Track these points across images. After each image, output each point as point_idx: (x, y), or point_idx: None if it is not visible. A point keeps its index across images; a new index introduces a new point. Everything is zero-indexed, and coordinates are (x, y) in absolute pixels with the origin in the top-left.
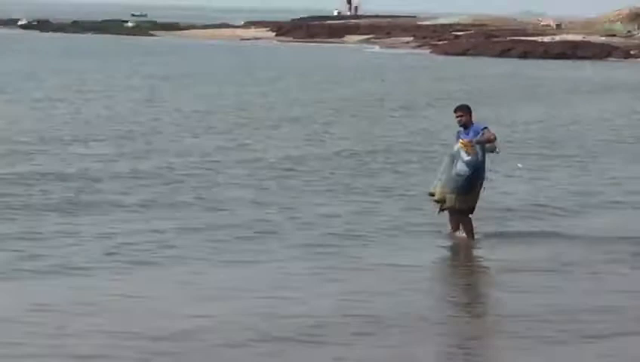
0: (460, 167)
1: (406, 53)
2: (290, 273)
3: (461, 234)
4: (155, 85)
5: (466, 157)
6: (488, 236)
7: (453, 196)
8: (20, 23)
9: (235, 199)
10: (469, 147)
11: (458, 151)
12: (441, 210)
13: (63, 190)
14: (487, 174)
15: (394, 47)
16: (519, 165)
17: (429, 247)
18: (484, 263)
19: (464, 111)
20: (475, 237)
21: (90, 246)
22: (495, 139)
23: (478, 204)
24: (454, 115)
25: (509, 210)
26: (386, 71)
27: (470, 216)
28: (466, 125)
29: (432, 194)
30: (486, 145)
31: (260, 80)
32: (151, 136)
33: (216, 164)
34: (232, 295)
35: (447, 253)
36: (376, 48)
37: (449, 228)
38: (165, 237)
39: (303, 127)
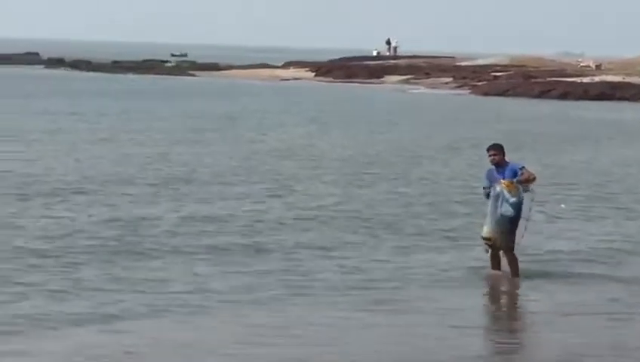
0: (505, 208)
1: (450, 94)
2: (337, 317)
3: (501, 273)
4: (198, 126)
5: (511, 199)
6: (534, 277)
7: (498, 236)
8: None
9: (277, 242)
10: (511, 187)
11: (502, 192)
12: (490, 249)
13: (105, 233)
14: (530, 214)
15: (437, 88)
16: (562, 206)
17: (476, 289)
18: (533, 305)
19: (497, 150)
20: (520, 276)
21: (133, 290)
22: (535, 178)
23: (523, 244)
24: (487, 153)
25: (553, 251)
26: (436, 111)
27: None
28: (499, 164)
29: (486, 238)
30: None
31: (303, 121)
32: (194, 178)
33: (259, 205)
34: (277, 339)
35: (494, 295)
36: (422, 89)
37: (489, 267)
38: (207, 281)
39: (346, 168)
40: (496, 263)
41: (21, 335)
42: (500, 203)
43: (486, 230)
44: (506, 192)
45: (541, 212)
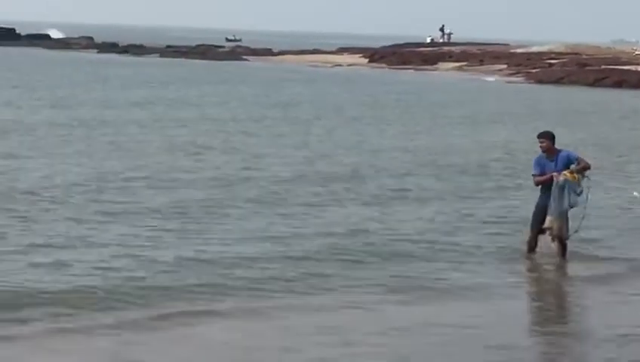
0: (574, 200)
1: (519, 81)
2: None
3: (536, 254)
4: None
5: (578, 189)
6: (595, 263)
7: (556, 225)
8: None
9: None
10: (574, 178)
11: (566, 183)
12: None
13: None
14: (587, 202)
15: (495, 75)
16: (635, 193)
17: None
18: (592, 292)
19: (544, 137)
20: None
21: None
22: (590, 167)
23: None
24: (538, 140)
25: (617, 239)
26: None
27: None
28: (549, 151)
29: (547, 228)
30: None
31: (376, 115)
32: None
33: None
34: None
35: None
36: (496, 77)
37: (526, 250)
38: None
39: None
40: (533, 247)
41: None
42: (566, 194)
43: (548, 220)
44: (572, 183)
45: (611, 201)
